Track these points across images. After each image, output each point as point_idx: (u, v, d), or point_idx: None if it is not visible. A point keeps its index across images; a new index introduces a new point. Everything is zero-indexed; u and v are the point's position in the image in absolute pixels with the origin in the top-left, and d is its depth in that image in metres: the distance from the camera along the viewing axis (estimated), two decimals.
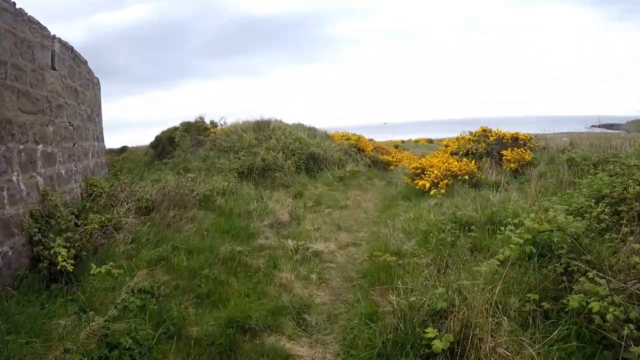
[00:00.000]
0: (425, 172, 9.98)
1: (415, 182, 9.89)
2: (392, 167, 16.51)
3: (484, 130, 12.10)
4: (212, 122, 20.19)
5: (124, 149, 23.05)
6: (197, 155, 14.18)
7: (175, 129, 18.72)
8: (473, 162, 10.21)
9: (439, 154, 12.42)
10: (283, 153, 13.00)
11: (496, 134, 11.73)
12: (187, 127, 18.79)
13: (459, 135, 13.29)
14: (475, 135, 12.19)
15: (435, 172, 9.50)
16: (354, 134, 20.48)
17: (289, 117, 21.23)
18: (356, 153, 16.12)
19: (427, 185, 9.23)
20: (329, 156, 13.76)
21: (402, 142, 48.32)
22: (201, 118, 21.15)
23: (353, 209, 9.80)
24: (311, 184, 11.99)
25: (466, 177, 9.18)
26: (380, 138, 55.17)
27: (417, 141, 51.61)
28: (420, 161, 11.61)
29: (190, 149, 15.15)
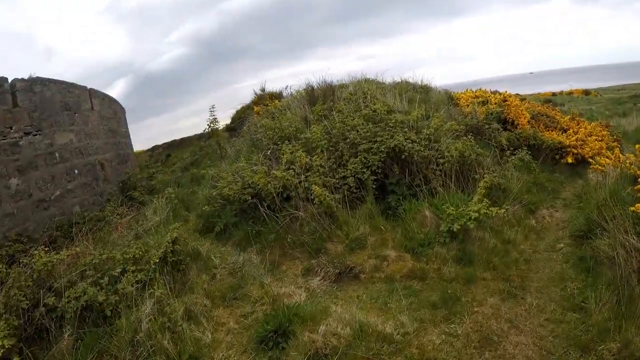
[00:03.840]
0: None
1: None
2: (569, 159, 8.10)
3: None
4: (271, 94, 14.03)
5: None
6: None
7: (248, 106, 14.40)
8: None
9: None
10: (335, 152, 5.96)
11: None
12: (257, 100, 13.97)
13: None
14: None
15: None
16: (494, 92, 12.02)
17: (413, 75, 13.26)
18: (499, 130, 7.97)
19: None
20: (439, 151, 5.94)
21: (554, 94, 37.77)
22: (262, 89, 14.98)
23: None
24: (372, 249, 5.01)
25: None
26: (526, 91, 44.50)
27: (570, 93, 40.87)
28: None
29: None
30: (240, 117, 14.02)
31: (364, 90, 8.46)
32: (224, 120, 16.51)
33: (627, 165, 6.44)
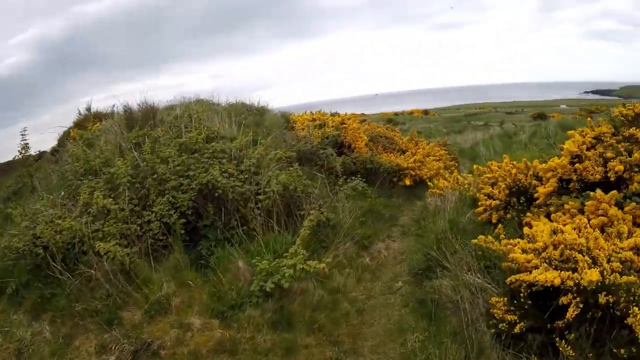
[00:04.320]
0: None
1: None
2: (407, 181, 8.25)
3: None
4: (97, 115, 12.21)
5: None
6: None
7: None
8: None
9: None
10: (141, 190, 5.05)
11: None
12: (80, 121, 11.44)
13: None
14: None
15: None
16: (334, 114, 12.02)
17: (267, 98, 12.28)
18: (334, 156, 7.72)
19: None
20: (260, 184, 5.27)
21: (395, 114, 40.96)
22: (87, 108, 13.01)
23: None
24: (177, 314, 4.11)
25: None
26: (371, 111, 47.73)
27: (411, 113, 45.00)
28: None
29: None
30: (67, 140, 11.94)
31: (191, 114, 7.55)
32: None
33: (466, 186, 6.55)
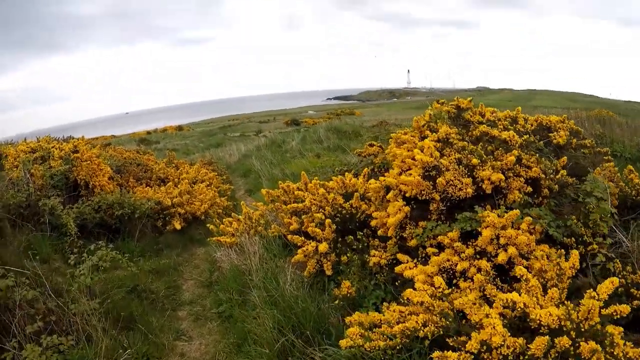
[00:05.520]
0: None
1: None
2: (177, 224, 6.13)
3: None
4: None
5: None
6: None
7: None
8: None
9: None
10: None
11: None
12: None
13: None
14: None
15: None
16: (66, 139, 8.65)
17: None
18: (61, 207, 4.98)
19: None
20: None
21: (149, 133, 37.42)
22: None
23: None
24: None
25: None
26: (122, 131, 42.82)
27: (165, 130, 42.37)
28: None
29: None
30: None
31: None
32: None
33: (262, 223, 4.76)
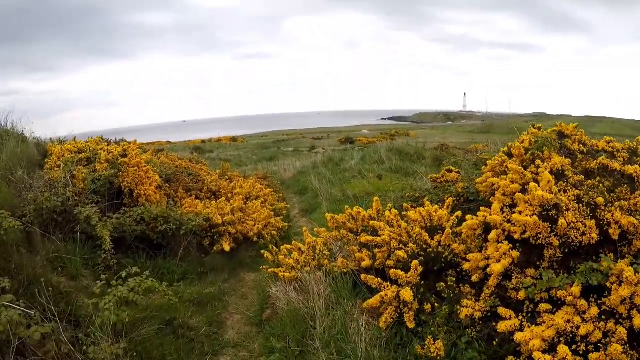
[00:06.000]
0: None
1: None
2: (226, 245, 5.43)
3: None
4: None
5: None
6: None
7: None
8: None
9: None
10: None
11: None
12: None
13: None
14: None
15: None
16: (118, 141, 8.31)
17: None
18: (98, 218, 4.43)
19: None
20: None
21: (203, 142, 37.97)
22: None
23: None
24: None
25: None
26: (178, 138, 44.21)
27: (219, 140, 43.13)
28: None
29: None
30: None
31: None
32: None
33: (324, 253, 3.98)
